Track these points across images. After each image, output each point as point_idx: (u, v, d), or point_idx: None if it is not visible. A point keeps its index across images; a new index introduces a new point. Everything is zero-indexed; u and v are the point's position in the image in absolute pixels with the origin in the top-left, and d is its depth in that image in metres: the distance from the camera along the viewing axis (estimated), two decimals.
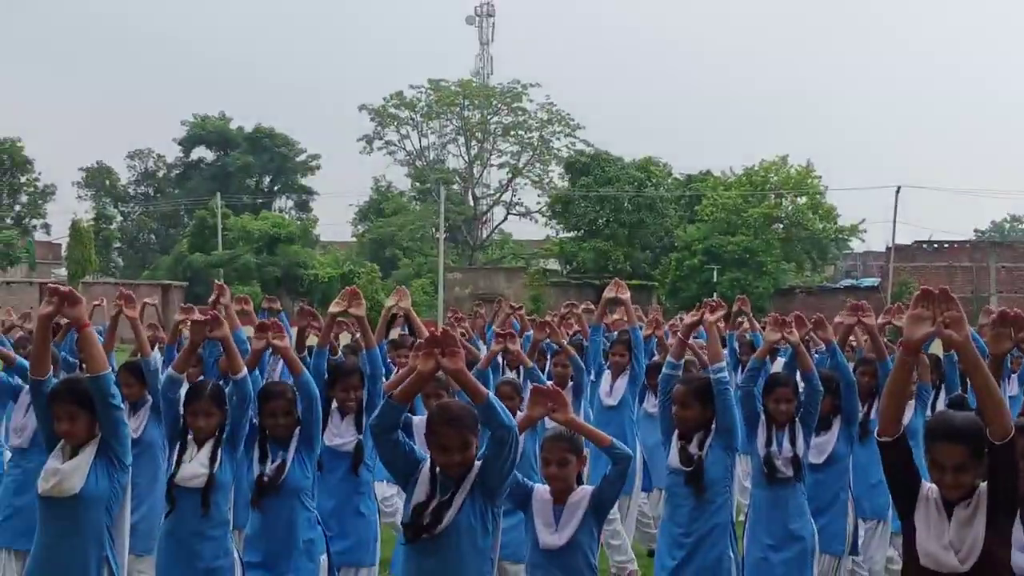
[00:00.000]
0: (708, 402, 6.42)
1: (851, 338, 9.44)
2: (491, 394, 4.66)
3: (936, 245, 60.65)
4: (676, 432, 6.50)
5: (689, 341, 7.54)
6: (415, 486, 4.84)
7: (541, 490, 5.41)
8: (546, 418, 5.34)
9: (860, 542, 8.14)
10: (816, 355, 9.03)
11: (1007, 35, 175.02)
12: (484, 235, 78.53)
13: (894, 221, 58.22)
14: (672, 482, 6.51)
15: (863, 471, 8.33)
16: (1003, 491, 4.11)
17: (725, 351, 8.15)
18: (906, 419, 6.51)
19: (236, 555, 6.09)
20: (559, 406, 5.15)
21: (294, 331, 8.30)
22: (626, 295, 10.00)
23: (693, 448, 6.37)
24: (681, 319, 9.05)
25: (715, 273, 55.46)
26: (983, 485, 4.16)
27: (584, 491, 5.40)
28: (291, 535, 6.18)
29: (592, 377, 10.22)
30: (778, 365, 10.00)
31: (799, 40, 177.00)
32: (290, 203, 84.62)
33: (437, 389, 6.74)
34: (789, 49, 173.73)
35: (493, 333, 12.71)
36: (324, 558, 6.42)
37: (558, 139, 73.35)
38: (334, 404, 7.10)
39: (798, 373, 7.27)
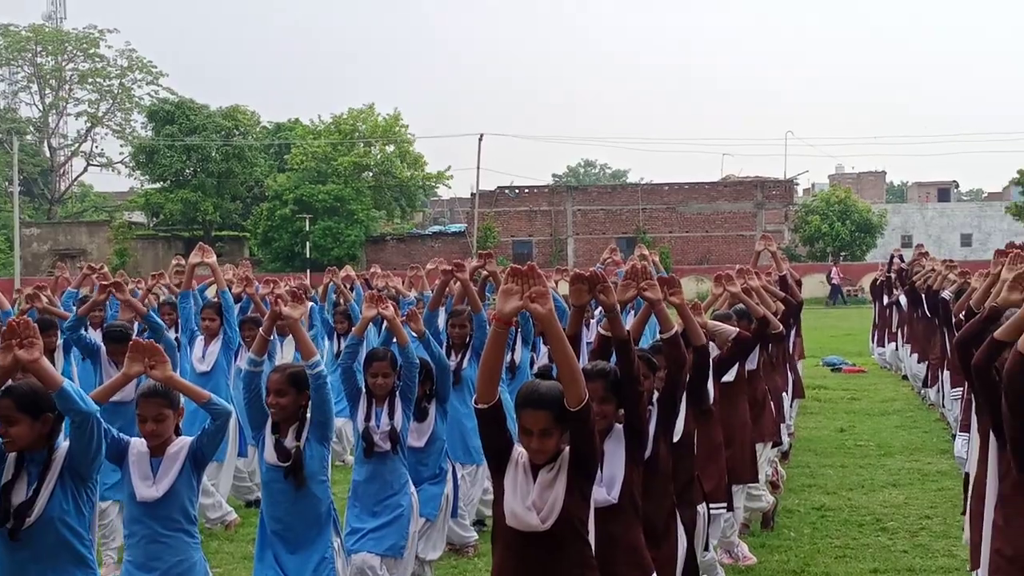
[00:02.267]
0: (304, 390, 6.14)
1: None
2: (66, 382, 4.56)
3: (517, 190, 63.37)
4: (268, 425, 6.24)
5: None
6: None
7: (137, 443, 5.30)
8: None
9: (460, 502, 8.52)
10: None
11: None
12: (63, 188, 74.38)
13: (477, 168, 60.36)
14: (270, 478, 6.19)
15: (459, 421, 8.78)
16: (582, 455, 4.39)
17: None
18: None
19: None
20: (158, 363, 5.11)
21: None
22: (212, 259, 9.91)
23: (289, 441, 6.14)
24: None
25: (307, 222, 55.39)
26: (567, 449, 4.41)
27: (183, 442, 5.33)
28: None
29: (186, 342, 10.09)
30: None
31: None
32: None
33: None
34: (375, 2, 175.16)
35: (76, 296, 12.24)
36: None
37: (140, 87, 70.48)
38: None
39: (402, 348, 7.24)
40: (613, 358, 5.19)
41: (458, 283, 9.35)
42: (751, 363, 8.76)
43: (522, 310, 4.25)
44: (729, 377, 8.04)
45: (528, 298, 4.19)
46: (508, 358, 9.80)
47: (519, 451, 4.47)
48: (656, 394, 5.70)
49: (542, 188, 65.53)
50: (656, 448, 5.55)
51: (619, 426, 5.07)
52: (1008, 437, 4.24)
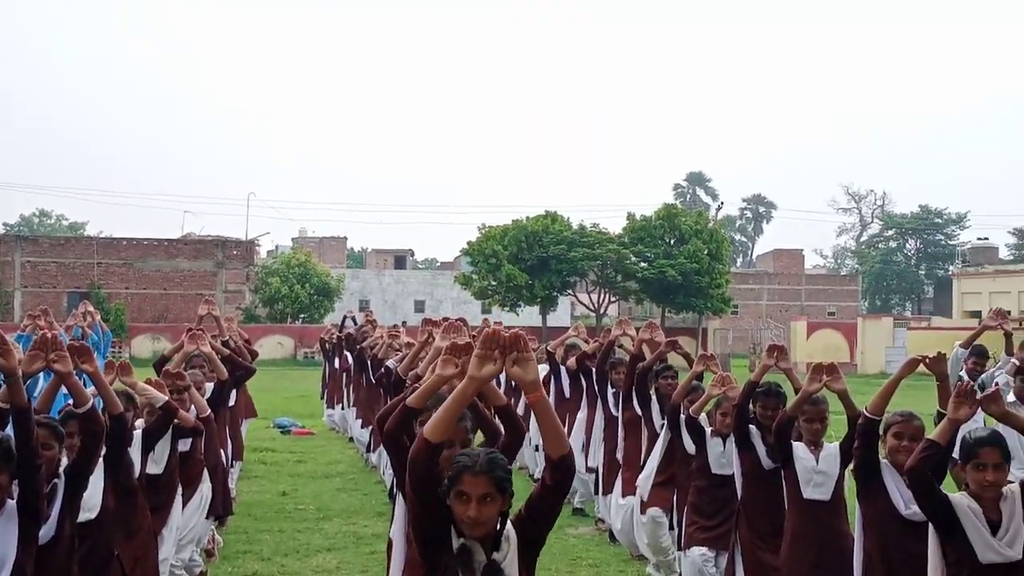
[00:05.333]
0: None
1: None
2: None
3: None
4: None
5: None
6: None
7: None
8: None
9: None
10: None
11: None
12: None
13: None
14: None
15: None
16: None
17: None
18: None
19: None
20: None
21: None
22: None
23: None
24: None
25: None
26: None
27: None
28: None
29: None
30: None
31: None
32: None
33: None
34: None
35: None
36: None
37: None
38: None
39: None
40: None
41: None
42: (184, 445, 8.42)
43: None
44: (157, 469, 7.73)
45: None
46: None
47: None
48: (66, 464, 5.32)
49: None
50: (61, 529, 5.14)
51: (12, 502, 4.62)
52: (409, 510, 4.25)
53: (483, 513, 3.98)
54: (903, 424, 6.00)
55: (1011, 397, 9.15)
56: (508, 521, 4.09)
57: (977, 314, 59.74)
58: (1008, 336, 10.75)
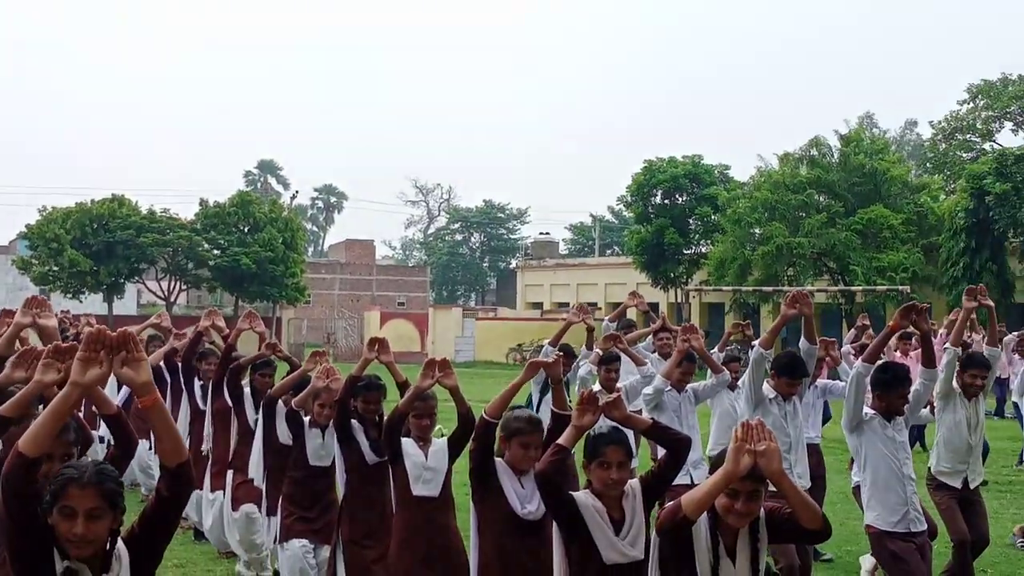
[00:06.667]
0: None
1: None
2: None
3: None
4: None
5: None
6: None
7: None
8: None
9: None
10: None
11: None
12: None
13: None
14: None
15: None
16: None
17: None
18: None
19: None
20: None
21: None
22: None
23: None
24: None
25: None
26: None
27: None
28: None
29: None
30: None
31: None
32: None
33: None
34: None
35: None
36: None
37: None
38: None
39: None
40: None
41: None
42: None
43: None
44: None
45: None
46: None
47: None
48: None
49: None
50: None
51: None
52: (2, 532, 3.85)
53: (91, 530, 3.67)
54: (531, 435, 5.98)
55: (596, 386, 9.64)
56: (119, 538, 3.78)
57: (539, 305, 63.33)
58: (590, 331, 11.31)
